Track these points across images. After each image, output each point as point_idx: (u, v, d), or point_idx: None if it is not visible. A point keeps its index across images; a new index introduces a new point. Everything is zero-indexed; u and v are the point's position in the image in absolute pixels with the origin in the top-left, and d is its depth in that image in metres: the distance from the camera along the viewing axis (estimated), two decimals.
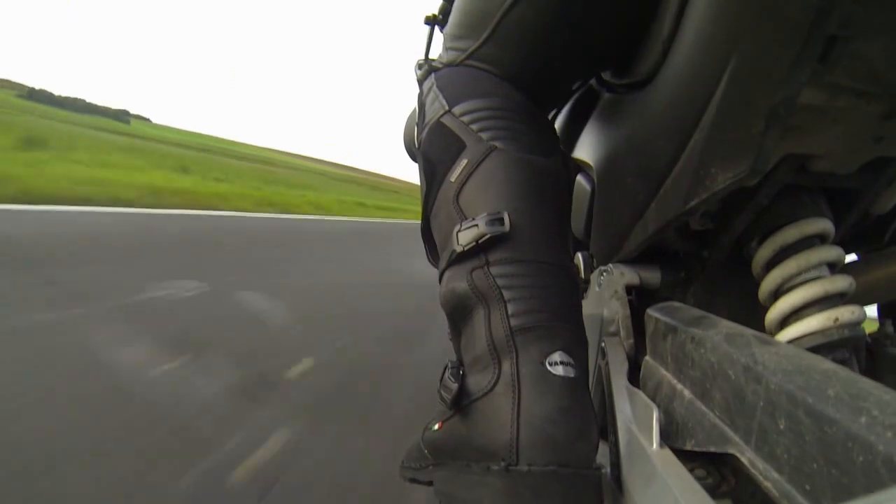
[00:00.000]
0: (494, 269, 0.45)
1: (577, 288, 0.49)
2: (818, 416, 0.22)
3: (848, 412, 0.20)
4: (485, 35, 0.56)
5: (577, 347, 0.43)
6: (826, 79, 0.35)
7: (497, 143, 0.50)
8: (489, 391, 0.42)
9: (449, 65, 0.60)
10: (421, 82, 0.61)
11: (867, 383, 0.22)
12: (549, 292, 0.45)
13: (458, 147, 0.51)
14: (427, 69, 0.62)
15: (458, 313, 0.47)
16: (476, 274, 0.45)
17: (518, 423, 0.39)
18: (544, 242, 0.47)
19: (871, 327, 0.50)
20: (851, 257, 0.53)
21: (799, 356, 0.27)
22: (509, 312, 0.43)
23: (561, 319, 0.44)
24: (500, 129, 0.51)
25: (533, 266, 0.45)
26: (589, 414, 0.41)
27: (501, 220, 0.45)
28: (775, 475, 0.24)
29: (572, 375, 0.41)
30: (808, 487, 0.22)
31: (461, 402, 0.43)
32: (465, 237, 0.46)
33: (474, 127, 0.52)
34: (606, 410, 0.48)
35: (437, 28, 0.97)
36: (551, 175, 0.52)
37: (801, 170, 0.43)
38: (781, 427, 0.24)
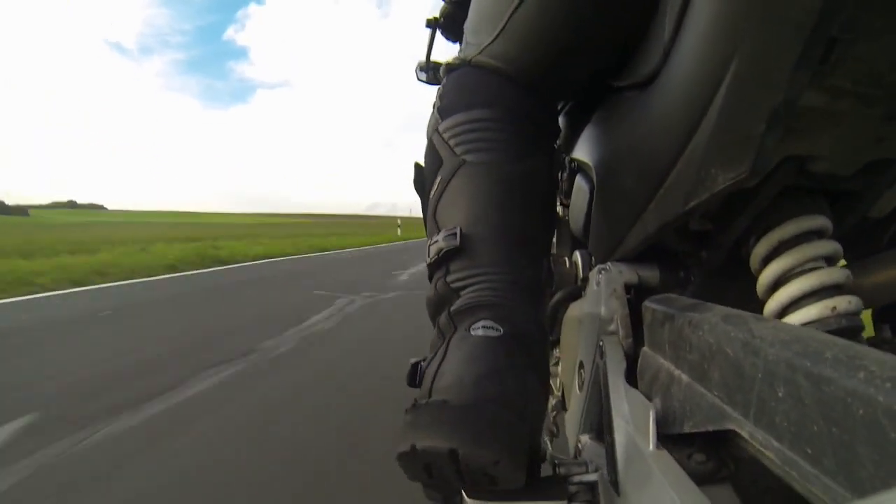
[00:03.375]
0: (451, 277, 0.51)
1: (537, 281, 0.53)
2: (816, 378, 0.21)
3: (845, 370, 0.20)
4: (497, 31, 0.57)
5: (510, 316, 0.48)
6: (827, 81, 0.35)
7: (467, 157, 0.54)
8: (430, 360, 0.47)
9: (463, 61, 0.62)
10: (442, 79, 0.64)
11: (865, 348, 0.22)
12: (497, 282, 0.50)
13: (438, 164, 0.56)
14: (445, 68, 0.64)
15: (433, 318, 0.53)
16: (439, 284, 0.51)
17: (436, 374, 0.45)
18: (499, 248, 0.51)
19: (868, 333, 0.50)
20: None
21: (797, 329, 0.27)
22: (455, 303, 0.49)
23: (500, 297, 0.49)
24: (472, 143, 0.55)
25: (485, 268, 0.50)
26: (498, 362, 0.45)
27: (455, 235, 0.51)
28: (776, 444, 0.24)
29: (493, 335, 0.46)
30: (809, 451, 0.22)
31: (415, 381, 0.48)
32: (431, 251, 0.52)
33: (452, 142, 0.55)
34: (603, 410, 0.49)
35: (437, 30, 0.97)
36: (520, 178, 0.55)
37: (802, 171, 0.43)
38: (780, 395, 0.24)
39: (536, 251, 0.55)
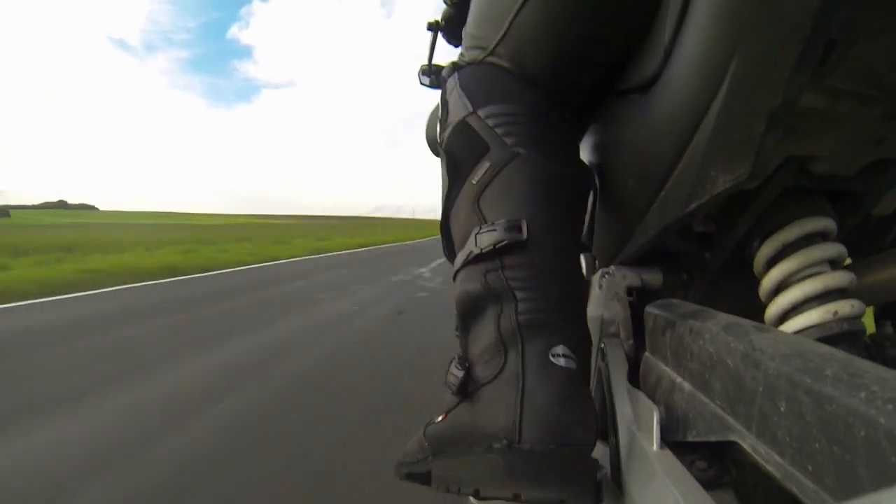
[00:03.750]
0: (508, 273, 0.47)
1: (583, 292, 0.52)
2: (817, 396, 0.22)
3: (847, 389, 0.20)
4: (502, 31, 0.56)
5: (579, 344, 0.46)
6: (827, 82, 0.35)
7: (520, 150, 0.51)
8: (495, 378, 0.44)
9: (471, 63, 0.61)
10: (445, 80, 0.62)
11: (865, 363, 0.22)
12: (557, 296, 0.47)
13: (481, 149, 0.53)
14: (451, 67, 0.63)
15: (470, 312, 0.49)
16: (491, 276, 0.47)
17: (522, 407, 0.41)
18: (557, 251, 0.49)
19: (870, 329, 0.50)
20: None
21: (797, 341, 0.27)
22: (518, 309, 0.45)
23: (566, 318, 0.46)
24: (523, 136, 0.52)
25: (544, 272, 0.47)
26: (588, 404, 0.43)
27: (519, 228, 0.47)
28: (777, 459, 0.24)
29: (573, 367, 0.43)
30: (810, 468, 0.22)
31: (467, 389, 0.45)
32: (483, 240, 0.48)
33: (499, 131, 0.53)
34: (607, 412, 0.49)
35: (439, 34, 0.97)
36: (569, 185, 0.53)
37: (803, 172, 0.43)
38: (782, 410, 0.24)
39: (578, 256, 0.54)
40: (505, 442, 0.41)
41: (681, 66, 0.41)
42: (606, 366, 0.52)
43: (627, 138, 0.52)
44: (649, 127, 0.47)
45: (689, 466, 0.34)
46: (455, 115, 0.57)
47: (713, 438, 0.31)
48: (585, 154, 0.65)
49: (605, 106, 0.60)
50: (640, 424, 0.41)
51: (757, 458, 0.26)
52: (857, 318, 0.41)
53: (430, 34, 0.95)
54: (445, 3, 0.92)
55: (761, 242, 0.47)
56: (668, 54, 0.43)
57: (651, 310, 0.45)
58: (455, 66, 0.63)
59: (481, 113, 0.54)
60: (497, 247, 0.47)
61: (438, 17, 0.93)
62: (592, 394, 0.57)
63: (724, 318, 0.35)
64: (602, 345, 0.55)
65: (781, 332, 0.31)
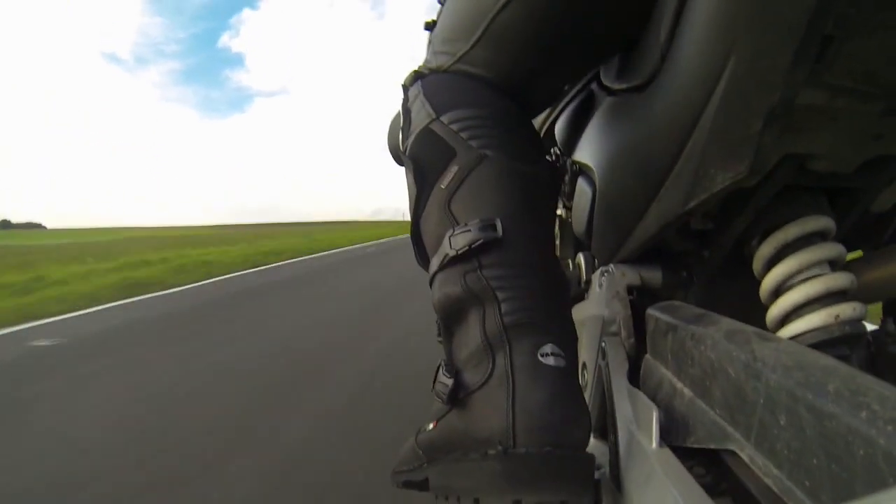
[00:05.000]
0: (487, 272, 0.46)
1: (566, 289, 0.51)
2: (818, 412, 0.22)
3: (848, 407, 0.20)
4: (475, 38, 0.56)
5: (566, 341, 0.45)
6: (824, 79, 0.35)
7: (487, 152, 0.51)
8: (484, 383, 0.43)
9: (436, 70, 0.60)
10: (406, 88, 0.61)
11: (867, 379, 0.22)
12: (540, 292, 0.46)
13: (448, 154, 0.52)
14: (412, 75, 0.62)
15: (452, 316, 0.48)
16: (469, 277, 0.47)
17: (514, 410, 0.41)
18: (533, 247, 0.48)
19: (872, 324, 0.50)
20: (852, 255, 0.52)
21: (799, 352, 0.27)
22: (502, 310, 0.45)
23: (551, 316, 0.46)
24: (489, 138, 0.52)
25: (523, 269, 0.47)
26: (580, 402, 0.43)
27: (494, 226, 0.47)
28: (775, 471, 0.24)
29: (563, 366, 0.43)
30: (807, 483, 0.22)
31: (457, 396, 0.45)
32: (458, 242, 0.47)
33: (464, 135, 0.52)
34: (607, 411, 0.49)
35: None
36: (538, 183, 0.53)
37: (801, 169, 0.43)
38: (782, 423, 0.24)
39: (556, 254, 0.54)
40: (500, 448, 0.40)
41: (678, 64, 0.41)
42: (607, 364, 0.52)
43: (626, 137, 0.52)
44: (647, 125, 0.47)
45: (688, 472, 0.34)
46: (418, 123, 0.56)
47: (712, 446, 0.31)
48: (584, 153, 0.65)
49: (604, 105, 0.60)
50: (639, 423, 0.41)
51: (755, 469, 0.26)
52: (858, 320, 0.41)
53: (427, 34, 0.95)
54: (440, 2, 0.91)
55: (760, 241, 0.47)
56: (665, 53, 0.43)
57: (653, 312, 0.45)
58: (417, 75, 0.61)
59: (445, 119, 0.54)
60: (473, 246, 0.46)
61: (435, 17, 0.92)
62: (592, 392, 0.57)
63: (727, 323, 0.34)
64: (603, 343, 0.55)
65: (784, 340, 0.30)
